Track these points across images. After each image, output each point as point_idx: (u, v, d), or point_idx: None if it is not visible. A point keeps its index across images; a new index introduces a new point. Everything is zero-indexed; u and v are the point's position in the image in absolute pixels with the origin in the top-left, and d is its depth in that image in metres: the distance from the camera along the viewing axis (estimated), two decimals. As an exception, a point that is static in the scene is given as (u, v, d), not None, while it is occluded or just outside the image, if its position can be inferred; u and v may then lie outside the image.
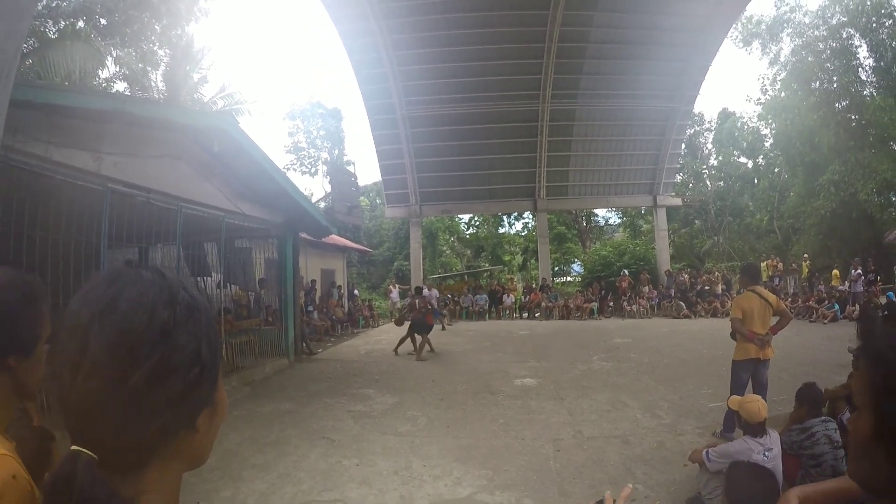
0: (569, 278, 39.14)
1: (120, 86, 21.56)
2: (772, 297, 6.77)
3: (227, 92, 25.69)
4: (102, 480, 0.75)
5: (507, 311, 24.36)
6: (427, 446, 6.65)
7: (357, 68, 23.13)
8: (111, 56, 19.71)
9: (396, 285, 27.15)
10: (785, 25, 26.33)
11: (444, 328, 19.66)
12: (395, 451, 6.47)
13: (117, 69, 20.96)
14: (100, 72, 19.22)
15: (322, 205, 20.37)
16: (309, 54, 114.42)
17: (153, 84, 22.83)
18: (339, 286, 24.02)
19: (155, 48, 22.15)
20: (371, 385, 10.31)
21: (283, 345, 13.16)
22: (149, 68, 22.42)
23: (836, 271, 19.70)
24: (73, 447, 0.76)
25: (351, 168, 35.43)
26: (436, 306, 20.62)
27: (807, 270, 22.75)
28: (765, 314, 6.62)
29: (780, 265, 23.77)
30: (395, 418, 7.98)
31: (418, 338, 13.88)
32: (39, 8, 16.02)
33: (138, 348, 0.76)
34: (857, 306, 17.40)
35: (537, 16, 21.22)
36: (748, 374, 6.63)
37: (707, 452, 4.57)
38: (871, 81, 24.36)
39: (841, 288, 18.88)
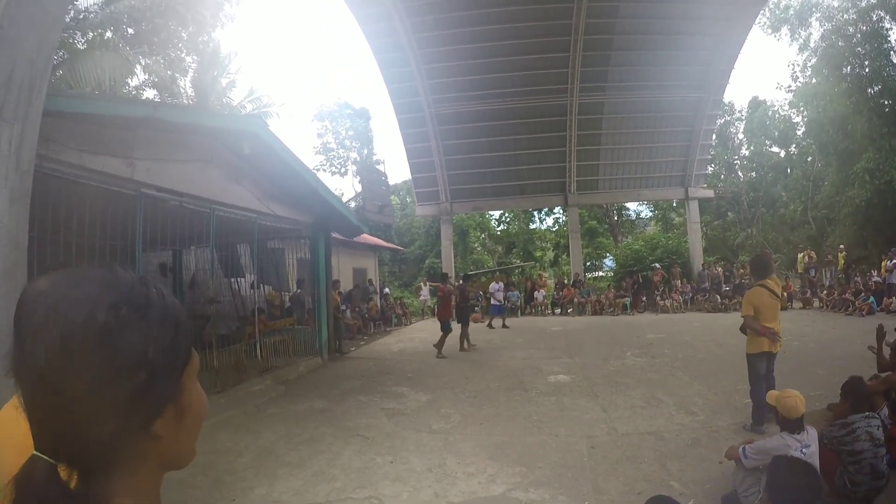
0: (601, 273, 38.93)
1: (149, 93, 21.96)
2: (779, 289, 6.94)
3: (255, 95, 25.99)
4: (59, 484, 0.75)
5: (540, 308, 24.30)
6: (461, 443, 6.67)
7: (383, 67, 23.23)
8: (140, 64, 20.03)
9: (427, 283, 27.19)
10: (814, 10, 25.89)
11: (490, 326, 19.27)
12: (428, 449, 6.50)
13: (146, 77, 21.34)
14: (129, 80, 19.56)
15: (353, 204, 20.55)
16: (335, 55, 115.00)
17: (182, 90, 23.16)
18: (370, 280, 24.25)
19: (182, 55, 22.46)
20: (404, 383, 10.35)
21: (317, 344, 13.27)
22: (177, 75, 22.76)
23: (885, 262, 19.08)
24: (34, 452, 0.77)
25: (380, 167, 35.54)
26: (494, 303, 20.30)
27: (843, 262, 22.29)
28: (775, 307, 6.75)
29: (814, 256, 23.36)
30: (428, 416, 8.00)
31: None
32: (67, 20, 16.32)
33: (77, 354, 0.74)
34: (894, 298, 17.02)
35: (562, 8, 21.11)
36: (763, 364, 6.76)
37: (743, 449, 4.49)
38: (904, 64, 23.77)
39: (876, 279, 18.44)
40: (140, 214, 7.66)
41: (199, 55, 22.75)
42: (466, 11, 21.01)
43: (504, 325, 19.23)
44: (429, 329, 19.80)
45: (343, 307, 17.45)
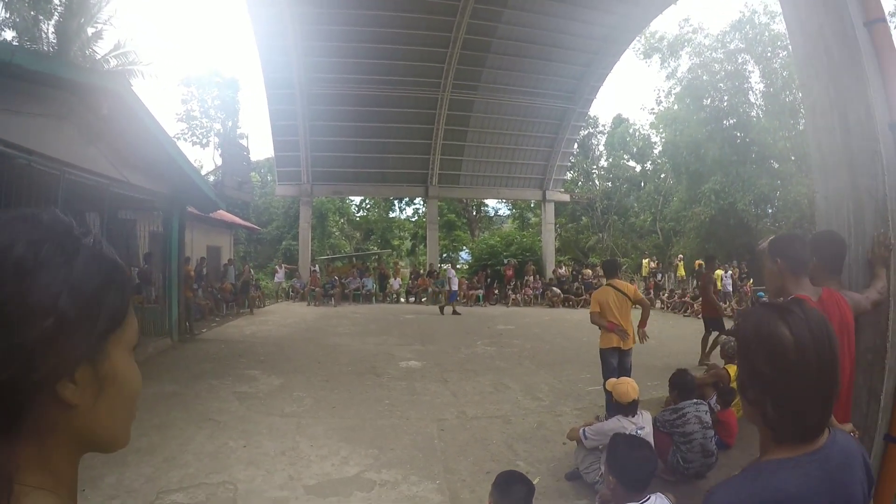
0: (457, 265, 39.69)
1: (7, 34, 20.09)
2: (629, 289, 7.24)
3: (122, 51, 24.28)
4: None
5: (394, 295, 24.52)
6: (313, 427, 6.70)
7: (259, 38, 22.28)
8: (2, 1, 18.28)
9: (283, 265, 26.68)
10: (685, 44, 27.62)
11: (454, 312, 19.52)
12: (281, 432, 6.48)
13: (7, 15, 19.47)
14: (-13, 17, 17.82)
15: (211, 178, 19.80)
16: (211, 19, 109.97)
17: (44, 35, 21.23)
18: (231, 259, 23.47)
19: (50, -5, 20.70)
20: (257, 366, 10.17)
21: (167, 324, 12.67)
22: (41, 17, 20.88)
23: (719, 271, 20.83)
24: None
25: (244, 142, 34.29)
26: (454, 289, 20.50)
27: (682, 269, 24.39)
28: (622, 305, 7.00)
29: (657, 263, 25.36)
30: (280, 399, 7.95)
31: None
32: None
33: None
34: (728, 303, 18.72)
35: (447, 5, 21.22)
36: (615, 359, 7.00)
37: (584, 431, 4.94)
38: (760, 104, 26.04)
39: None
40: (-20, 172, 7.00)
41: (68, -2, 21.03)
42: (354, -7, 20.65)
43: (455, 312, 19.48)
44: (283, 312, 19.57)
45: (195, 286, 16.80)
